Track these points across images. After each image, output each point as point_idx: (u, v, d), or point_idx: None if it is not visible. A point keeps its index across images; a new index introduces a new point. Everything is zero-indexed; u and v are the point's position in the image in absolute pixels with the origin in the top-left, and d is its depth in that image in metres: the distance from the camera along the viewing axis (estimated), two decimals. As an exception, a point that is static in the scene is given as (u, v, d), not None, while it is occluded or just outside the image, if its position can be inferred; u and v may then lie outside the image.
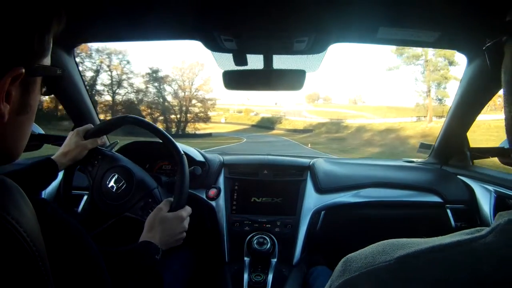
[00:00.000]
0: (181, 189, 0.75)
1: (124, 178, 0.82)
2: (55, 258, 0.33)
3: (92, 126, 0.86)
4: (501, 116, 0.32)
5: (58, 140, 1.19)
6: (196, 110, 39.62)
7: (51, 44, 0.37)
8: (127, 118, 0.80)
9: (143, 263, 0.60)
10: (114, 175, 0.82)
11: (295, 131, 44.60)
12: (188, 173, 0.77)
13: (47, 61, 0.37)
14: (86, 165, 0.85)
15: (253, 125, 59.29)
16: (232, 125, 57.59)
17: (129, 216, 0.80)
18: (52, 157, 0.78)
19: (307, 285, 0.96)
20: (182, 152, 0.79)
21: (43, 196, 1.02)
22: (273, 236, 1.04)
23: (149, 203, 0.80)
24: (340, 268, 0.32)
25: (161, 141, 0.80)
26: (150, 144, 1.18)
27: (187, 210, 0.76)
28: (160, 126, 0.94)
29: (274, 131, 48.32)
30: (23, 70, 0.32)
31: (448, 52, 21.29)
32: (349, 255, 0.33)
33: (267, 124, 58.63)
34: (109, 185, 0.82)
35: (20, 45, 0.32)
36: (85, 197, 1.06)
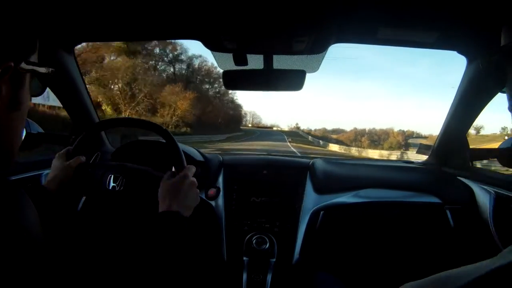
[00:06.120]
0: (176, 150, 0.73)
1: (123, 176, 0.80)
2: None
3: (71, 147, 0.83)
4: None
5: (58, 139, 1.19)
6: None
7: (38, 42, 0.38)
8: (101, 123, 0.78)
9: (167, 229, 0.58)
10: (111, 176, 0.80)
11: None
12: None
13: (34, 58, 0.38)
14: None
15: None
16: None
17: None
18: (43, 184, 0.76)
19: None
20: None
21: None
22: (272, 236, 1.04)
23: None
24: None
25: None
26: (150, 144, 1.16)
27: (190, 169, 0.70)
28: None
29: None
30: (12, 64, 0.33)
31: None
32: (406, 285, 0.30)
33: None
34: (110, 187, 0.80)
35: (8, 40, 0.33)
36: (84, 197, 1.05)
